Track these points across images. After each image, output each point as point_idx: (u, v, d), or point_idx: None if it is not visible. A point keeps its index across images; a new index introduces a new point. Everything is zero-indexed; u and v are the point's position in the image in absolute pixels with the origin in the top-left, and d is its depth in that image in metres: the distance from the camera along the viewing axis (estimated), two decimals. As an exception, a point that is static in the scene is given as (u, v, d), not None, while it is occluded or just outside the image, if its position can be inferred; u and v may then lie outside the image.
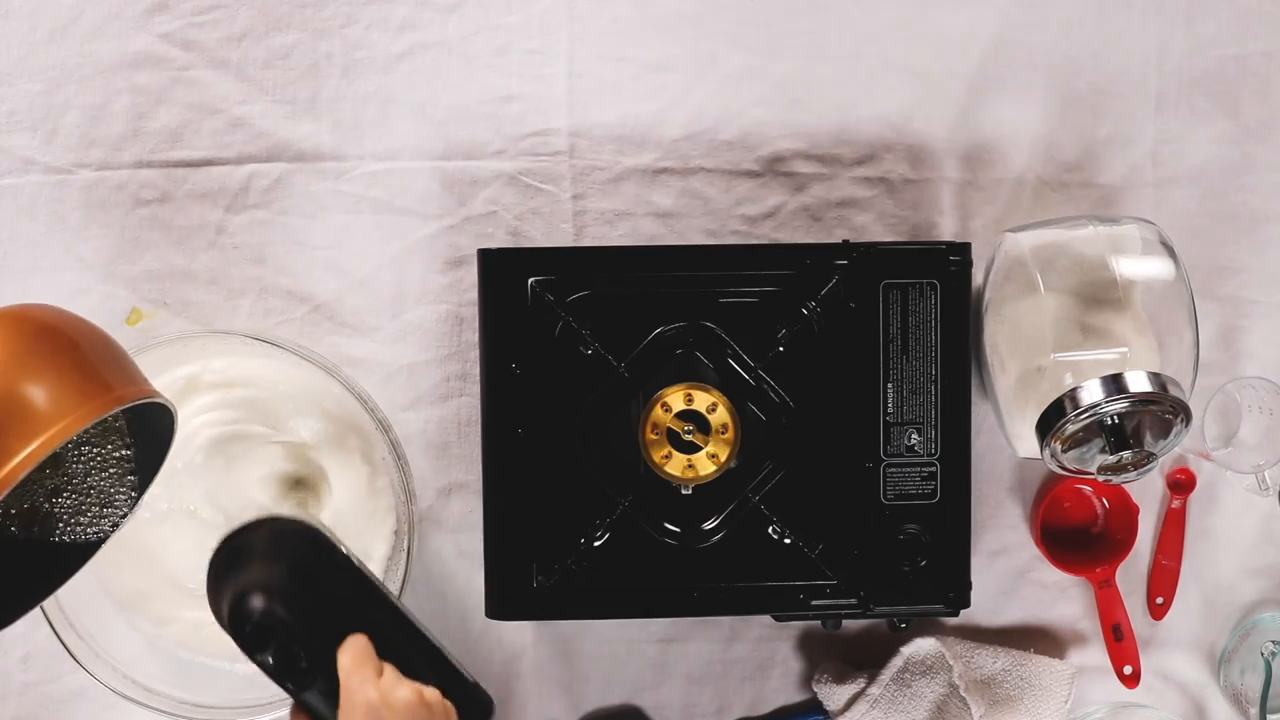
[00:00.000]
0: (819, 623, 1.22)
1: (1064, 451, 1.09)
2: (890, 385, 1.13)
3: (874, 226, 1.23)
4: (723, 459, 1.11)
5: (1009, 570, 1.24)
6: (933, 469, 1.13)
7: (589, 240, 1.22)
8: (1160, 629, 1.25)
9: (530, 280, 1.12)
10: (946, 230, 1.23)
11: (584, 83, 1.22)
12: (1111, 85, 1.24)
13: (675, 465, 1.11)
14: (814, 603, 1.14)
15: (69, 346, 0.94)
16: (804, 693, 1.24)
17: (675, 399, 1.11)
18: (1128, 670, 1.23)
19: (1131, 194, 1.24)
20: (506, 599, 1.14)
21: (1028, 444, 1.11)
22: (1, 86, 1.22)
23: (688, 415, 1.11)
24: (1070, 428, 1.07)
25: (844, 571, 1.14)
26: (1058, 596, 1.25)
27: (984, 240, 1.20)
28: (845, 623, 1.21)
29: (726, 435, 1.11)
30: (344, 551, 0.99)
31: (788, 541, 1.13)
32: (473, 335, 1.21)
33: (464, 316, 1.22)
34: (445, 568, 1.23)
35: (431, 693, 0.92)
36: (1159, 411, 1.06)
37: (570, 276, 1.12)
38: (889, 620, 1.20)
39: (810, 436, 1.13)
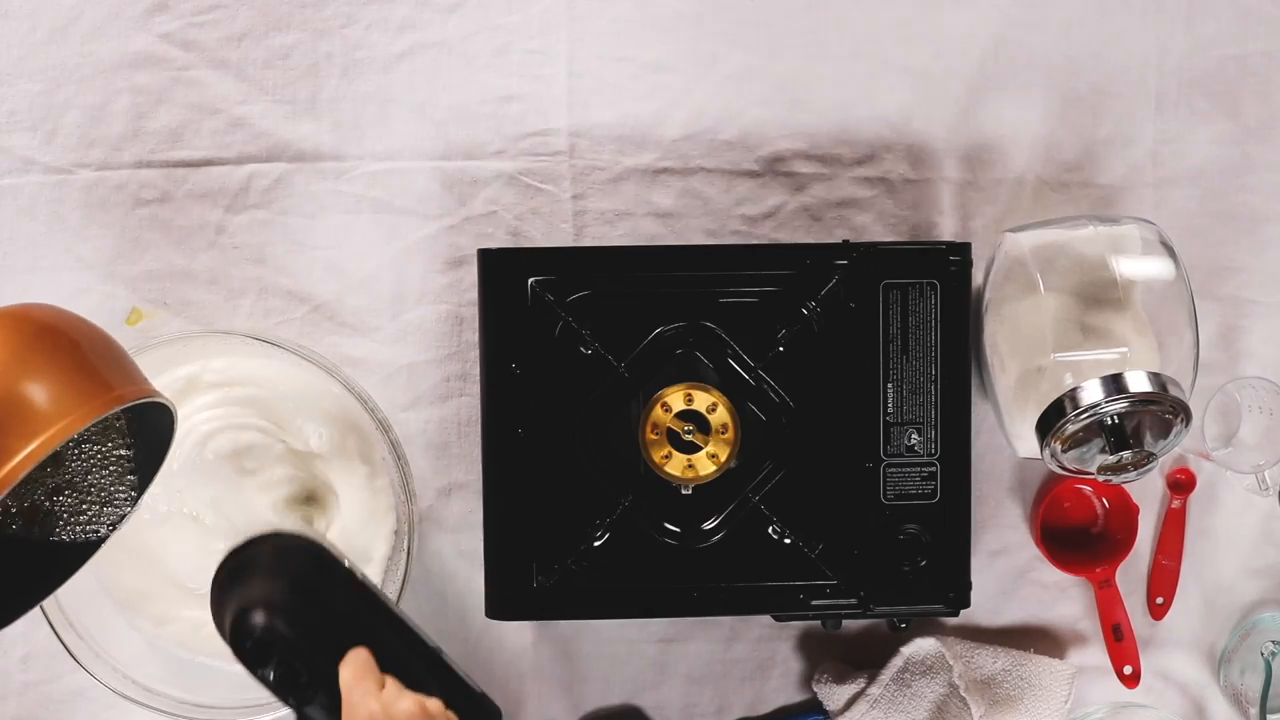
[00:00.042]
0: (819, 623, 1.22)
1: (1064, 451, 1.09)
2: (890, 385, 1.13)
3: (874, 226, 1.23)
4: (723, 459, 1.11)
5: (1009, 570, 1.24)
6: (933, 469, 1.13)
7: (589, 240, 1.22)
8: (1160, 629, 1.25)
9: (530, 280, 1.12)
10: (946, 230, 1.23)
11: (584, 83, 1.22)
12: (1111, 85, 1.24)
13: (675, 465, 1.11)
14: (814, 603, 1.14)
15: (69, 346, 0.94)
16: (804, 693, 1.24)
17: (675, 399, 1.11)
18: (1128, 670, 1.23)
19: (1131, 194, 1.24)
20: (506, 599, 1.14)
21: (1028, 444, 1.11)
22: (1, 86, 1.22)
23: (688, 415, 1.11)
24: (1070, 428, 1.07)
25: (844, 571, 1.14)
26: (1058, 596, 1.25)
27: (984, 240, 1.20)
28: (845, 623, 1.21)
29: (726, 435, 1.11)
30: (347, 566, 0.99)
31: (788, 541, 1.13)
32: (473, 335, 1.21)
33: (464, 316, 1.22)
34: (445, 568, 1.23)
35: (434, 703, 0.92)
36: (1159, 411, 1.06)
37: (570, 276, 1.12)
38: (889, 620, 1.20)
39: (810, 436, 1.13)
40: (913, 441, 1.13)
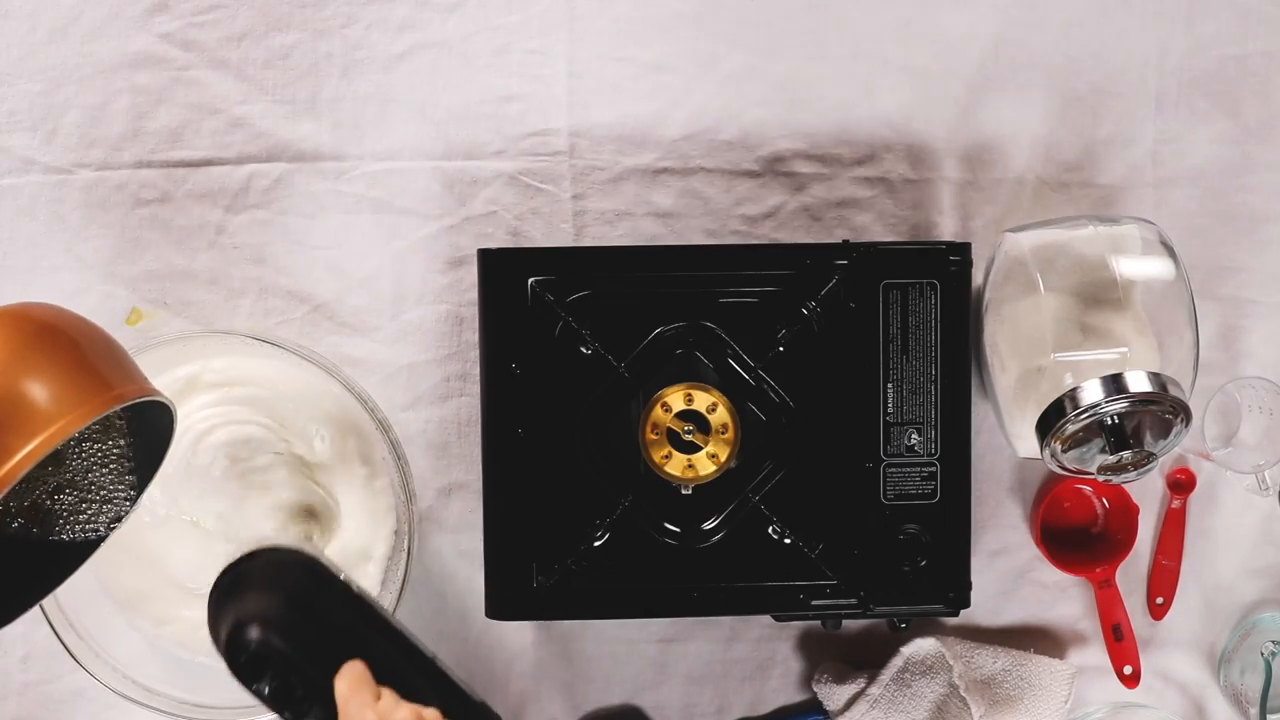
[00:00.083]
0: (819, 623, 1.22)
1: (1064, 451, 1.09)
2: (890, 385, 1.13)
3: (874, 226, 1.23)
4: (723, 459, 1.11)
5: (1009, 570, 1.24)
6: (933, 469, 1.13)
7: (589, 240, 1.23)
8: (1160, 629, 1.25)
9: (530, 280, 1.12)
10: (946, 230, 1.23)
11: (584, 83, 1.23)
12: (1111, 85, 1.24)
13: (675, 465, 1.11)
14: (814, 603, 1.14)
15: (69, 345, 0.94)
16: (804, 693, 1.24)
17: (675, 399, 1.11)
18: (1128, 670, 1.23)
19: (1131, 194, 1.24)
20: (506, 599, 1.14)
21: (1028, 444, 1.11)
22: (1, 86, 1.22)
23: (688, 415, 1.11)
24: (1070, 428, 1.07)
25: (844, 571, 1.14)
26: (1058, 596, 1.25)
27: (984, 240, 1.20)
28: (845, 623, 1.21)
29: (726, 435, 1.11)
30: (343, 579, 0.99)
31: (788, 541, 1.13)
32: (473, 335, 1.21)
33: (464, 316, 1.22)
34: (445, 568, 1.23)
35: (431, 713, 0.92)
36: (1159, 411, 1.06)
37: (570, 276, 1.12)
38: (889, 620, 1.20)
39: (810, 436, 1.13)
40: (913, 441, 1.13)
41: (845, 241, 1.14)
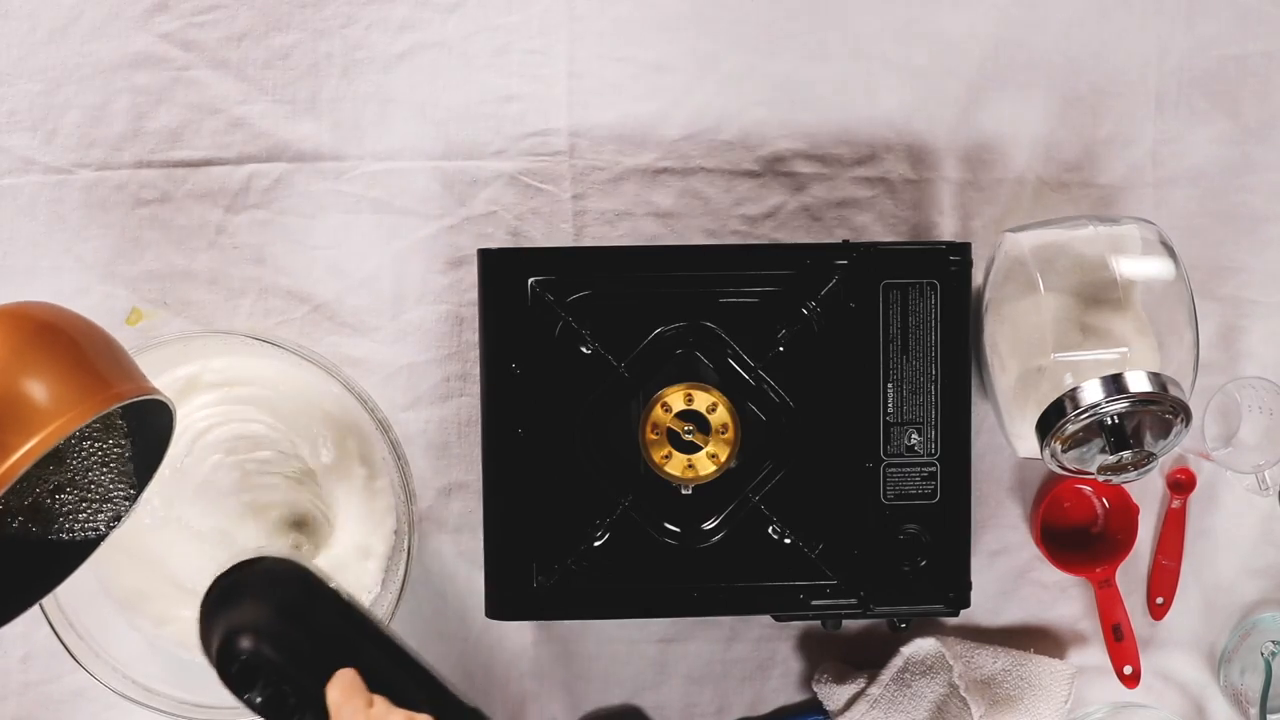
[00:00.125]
0: (819, 623, 1.22)
1: (1064, 451, 1.09)
2: (890, 385, 1.13)
3: (874, 226, 1.23)
4: (723, 459, 1.11)
5: (1009, 570, 1.24)
6: (933, 469, 1.13)
7: (589, 240, 1.23)
8: (1160, 629, 1.25)
9: (530, 280, 1.12)
10: (946, 230, 1.23)
11: (584, 83, 1.22)
12: (1111, 85, 1.24)
13: (675, 465, 1.11)
14: (814, 603, 1.14)
15: (68, 344, 0.94)
16: (804, 693, 1.24)
17: (675, 399, 1.11)
18: (1128, 670, 1.23)
19: (1131, 194, 1.24)
20: (506, 599, 1.14)
21: (1028, 444, 1.11)
22: (1, 86, 1.22)
23: (688, 415, 1.11)
24: (1070, 428, 1.07)
25: (844, 571, 1.14)
26: (1058, 596, 1.25)
27: (984, 240, 1.20)
28: (845, 623, 1.21)
29: (726, 435, 1.11)
30: (333, 588, 0.99)
31: (788, 541, 1.13)
32: (473, 335, 1.21)
33: (464, 316, 1.22)
34: (445, 568, 1.23)
35: (424, 719, 0.92)
36: (1159, 411, 1.06)
37: (570, 276, 1.12)
38: (889, 620, 1.20)
39: (810, 436, 1.13)
40: (913, 441, 1.13)
41: (845, 241, 1.14)
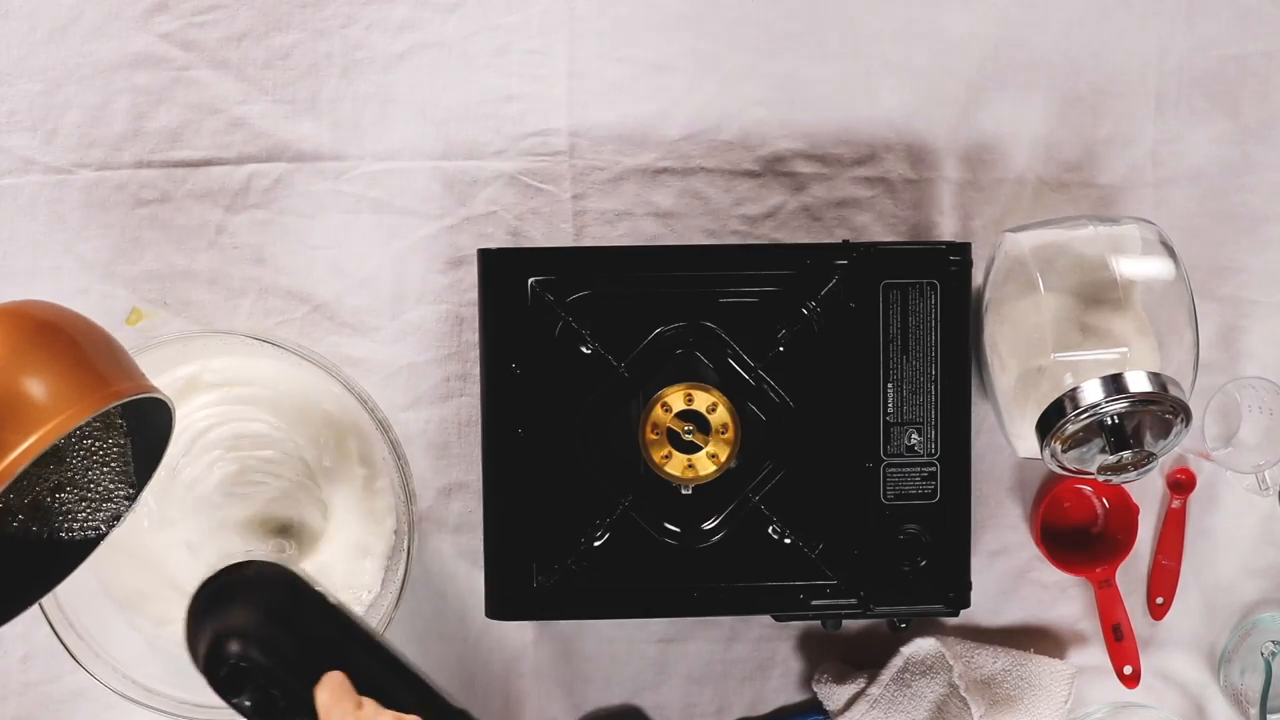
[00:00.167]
0: (819, 623, 1.22)
1: (1064, 451, 1.09)
2: (890, 385, 1.13)
3: (874, 226, 1.23)
4: (723, 459, 1.11)
5: (1009, 570, 1.24)
6: (933, 469, 1.13)
7: (589, 240, 1.23)
8: (1160, 629, 1.25)
9: (530, 280, 1.12)
10: (946, 230, 1.23)
11: (584, 83, 1.23)
12: (1111, 85, 1.24)
13: (675, 465, 1.11)
14: (814, 603, 1.14)
15: (68, 342, 0.94)
16: (804, 693, 1.24)
17: (675, 399, 1.11)
18: (1128, 670, 1.23)
19: (1131, 194, 1.24)
20: (506, 599, 1.14)
21: (1028, 444, 1.11)
22: (1, 86, 1.22)
23: (688, 415, 1.11)
24: (1070, 428, 1.07)
25: (844, 571, 1.14)
26: (1058, 596, 1.25)
27: (984, 240, 1.20)
28: (845, 623, 1.21)
29: (726, 435, 1.11)
30: (320, 591, 1.00)
31: (788, 541, 1.13)
32: (473, 335, 1.21)
33: (464, 316, 1.22)
34: (445, 568, 1.23)
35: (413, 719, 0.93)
36: (1159, 411, 1.06)
37: (570, 276, 1.12)
38: (889, 620, 1.20)
39: (810, 436, 1.13)
40: (913, 441, 1.13)
41: (845, 241, 1.14)
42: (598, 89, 1.23)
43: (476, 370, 1.18)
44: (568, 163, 1.23)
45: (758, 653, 1.24)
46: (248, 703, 0.95)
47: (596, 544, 1.13)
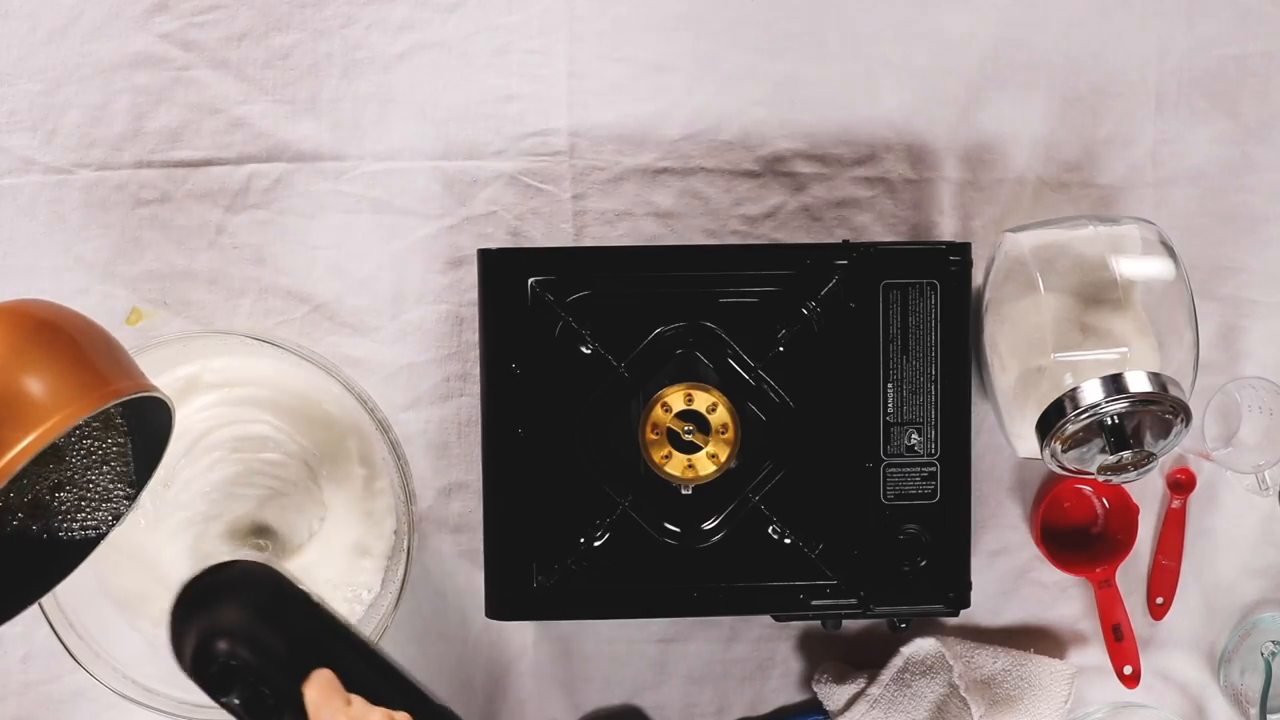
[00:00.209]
0: (819, 623, 1.21)
1: (1064, 451, 1.09)
2: (890, 385, 1.13)
3: (874, 226, 1.23)
4: (723, 459, 1.11)
5: (1009, 570, 1.24)
6: (933, 469, 1.13)
7: (589, 240, 1.23)
8: (1160, 629, 1.25)
9: (530, 280, 1.12)
10: (946, 230, 1.23)
11: (584, 83, 1.23)
12: (1111, 85, 1.24)
13: (675, 465, 1.11)
14: (814, 603, 1.14)
15: (67, 341, 0.94)
16: (804, 693, 1.24)
17: (675, 399, 1.11)
18: (1128, 670, 1.23)
19: (1131, 194, 1.24)
20: (506, 599, 1.14)
21: (1028, 444, 1.11)
22: (1, 86, 1.22)
23: (688, 415, 1.11)
24: (1070, 428, 1.07)
25: (844, 571, 1.14)
26: (1058, 596, 1.25)
27: (984, 240, 1.20)
28: (845, 623, 1.21)
29: (726, 435, 1.11)
30: (303, 590, 1.00)
31: (788, 541, 1.13)
32: (473, 335, 1.21)
33: (464, 316, 1.22)
34: (445, 568, 1.23)
35: (402, 716, 0.93)
36: (1159, 411, 1.06)
37: (570, 276, 1.12)
38: (889, 620, 1.20)
39: (810, 436, 1.13)
40: (913, 441, 1.13)
41: (845, 241, 1.14)
42: (598, 89, 1.23)
43: (476, 370, 1.18)
44: (568, 163, 1.23)
45: (758, 653, 1.24)
46: (237, 700, 0.95)
47: (596, 544, 1.13)
